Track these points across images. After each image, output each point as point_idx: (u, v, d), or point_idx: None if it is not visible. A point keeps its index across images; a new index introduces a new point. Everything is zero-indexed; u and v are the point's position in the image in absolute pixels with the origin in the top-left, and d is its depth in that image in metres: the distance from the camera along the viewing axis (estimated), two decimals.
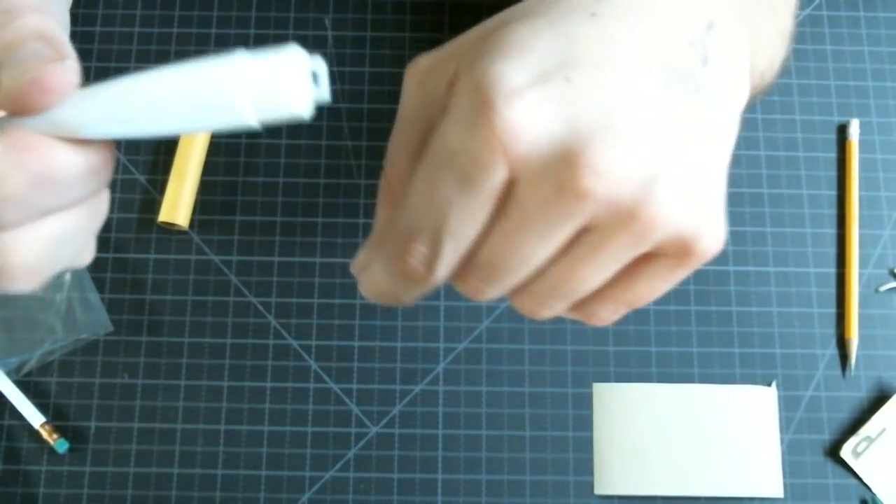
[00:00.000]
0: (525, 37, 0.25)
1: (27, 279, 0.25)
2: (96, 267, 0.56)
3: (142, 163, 0.58)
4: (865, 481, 0.53)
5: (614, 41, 0.25)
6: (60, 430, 0.53)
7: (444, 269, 0.26)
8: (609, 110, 0.24)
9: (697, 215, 0.25)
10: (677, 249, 0.25)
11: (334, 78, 0.60)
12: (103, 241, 0.56)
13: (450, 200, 0.25)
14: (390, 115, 0.59)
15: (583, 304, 0.28)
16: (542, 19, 0.26)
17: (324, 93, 0.25)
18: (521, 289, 0.27)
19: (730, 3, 0.28)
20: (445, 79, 0.27)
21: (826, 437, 0.54)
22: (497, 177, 0.24)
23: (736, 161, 0.59)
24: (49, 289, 0.55)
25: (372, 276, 0.28)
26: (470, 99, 0.24)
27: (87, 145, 0.25)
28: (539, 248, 0.25)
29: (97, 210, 0.28)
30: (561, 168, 0.23)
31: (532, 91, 0.23)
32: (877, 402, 0.54)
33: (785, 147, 0.59)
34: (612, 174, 0.23)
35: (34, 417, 0.53)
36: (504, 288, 0.27)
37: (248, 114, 0.24)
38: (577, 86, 0.24)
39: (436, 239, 0.25)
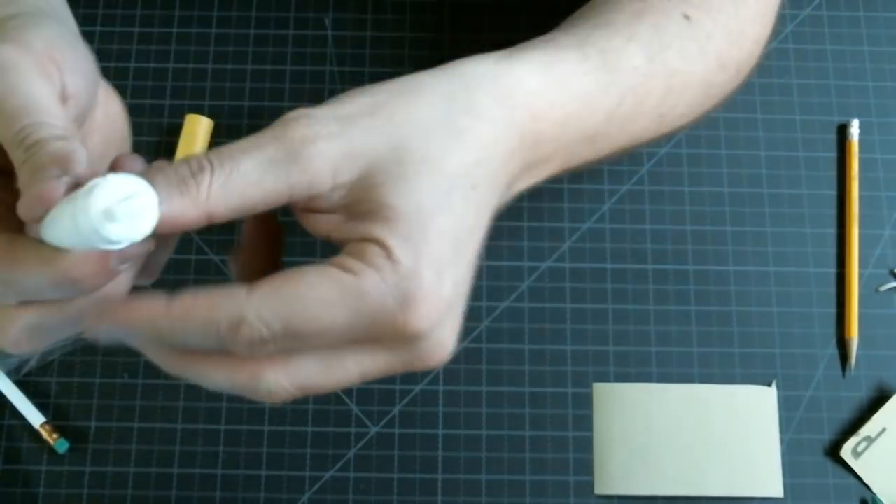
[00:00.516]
0: (433, 234, 0.29)
1: (15, 349, 0.30)
2: None
3: None
4: (865, 481, 0.53)
5: (476, 233, 0.31)
6: (60, 430, 0.53)
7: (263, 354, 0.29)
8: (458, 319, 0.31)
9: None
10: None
11: (335, 78, 0.60)
12: None
13: (335, 329, 0.27)
14: None
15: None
16: (440, 192, 0.29)
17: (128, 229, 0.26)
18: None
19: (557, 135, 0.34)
20: (338, 180, 0.29)
21: (826, 437, 0.54)
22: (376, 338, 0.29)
23: (736, 161, 0.59)
24: None
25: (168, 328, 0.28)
26: (397, 294, 0.28)
27: (61, 255, 0.27)
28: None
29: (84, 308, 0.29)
30: (423, 356, 0.30)
31: (446, 315, 0.29)
32: (877, 402, 0.54)
33: (785, 147, 0.59)
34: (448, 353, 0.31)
35: (34, 417, 0.53)
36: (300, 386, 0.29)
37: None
38: (459, 312, 0.31)
39: (287, 337, 0.27)
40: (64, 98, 0.30)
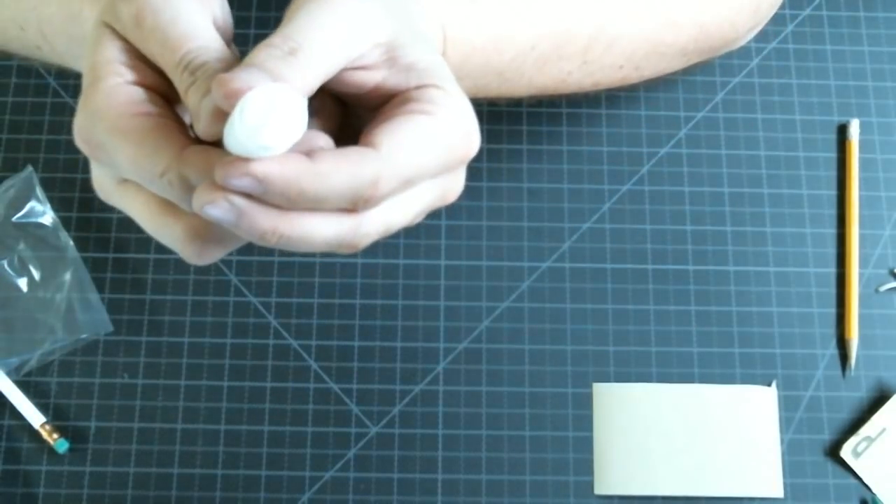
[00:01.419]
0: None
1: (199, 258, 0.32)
2: (96, 267, 0.56)
3: None
4: (865, 481, 0.53)
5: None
6: (60, 430, 0.53)
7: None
8: None
9: None
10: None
11: None
12: (103, 240, 0.57)
13: (433, 169, 0.31)
14: None
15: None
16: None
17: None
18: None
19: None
20: (376, 40, 0.32)
21: (826, 437, 0.54)
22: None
23: (736, 161, 0.59)
24: (49, 289, 0.55)
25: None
26: (464, 124, 0.32)
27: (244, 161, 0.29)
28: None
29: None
30: (457, 185, 0.34)
31: None
32: (877, 402, 0.54)
33: (785, 147, 0.59)
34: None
35: (34, 417, 0.53)
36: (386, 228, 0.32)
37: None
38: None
39: (403, 186, 0.30)
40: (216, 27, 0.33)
